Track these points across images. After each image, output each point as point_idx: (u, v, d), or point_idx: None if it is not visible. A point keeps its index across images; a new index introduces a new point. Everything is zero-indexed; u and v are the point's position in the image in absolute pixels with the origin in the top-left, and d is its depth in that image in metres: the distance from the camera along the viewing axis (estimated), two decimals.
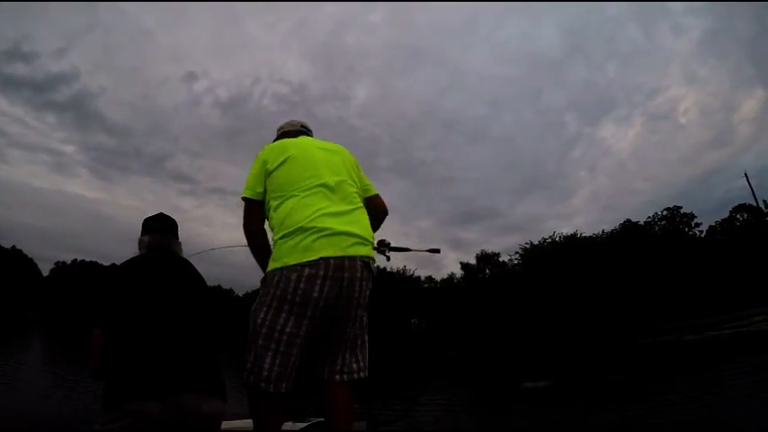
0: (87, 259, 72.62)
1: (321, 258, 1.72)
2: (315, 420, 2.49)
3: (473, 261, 44.20)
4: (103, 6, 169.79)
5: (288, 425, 2.47)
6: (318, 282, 1.71)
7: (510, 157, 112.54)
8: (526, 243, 39.50)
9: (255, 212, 1.96)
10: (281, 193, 1.89)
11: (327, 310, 1.76)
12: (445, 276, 47.33)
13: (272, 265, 1.79)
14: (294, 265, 1.72)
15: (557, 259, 34.01)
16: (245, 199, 1.96)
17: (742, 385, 7.61)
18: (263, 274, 1.86)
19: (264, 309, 1.77)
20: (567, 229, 40.46)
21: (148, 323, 1.67)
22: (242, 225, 1.97)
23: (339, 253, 1.75)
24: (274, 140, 2.24)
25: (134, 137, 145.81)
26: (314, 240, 1.74)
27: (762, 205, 30.34)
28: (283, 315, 1.74)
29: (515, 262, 40.14)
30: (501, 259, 42.48)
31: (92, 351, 1.72)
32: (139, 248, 2.00)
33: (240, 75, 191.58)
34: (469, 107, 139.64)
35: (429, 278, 47.67)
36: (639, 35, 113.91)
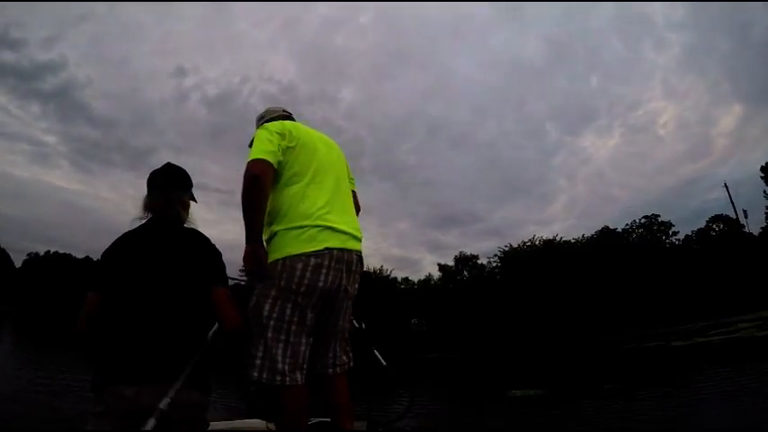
0: (61, 251, 70.64)
1: (326, 249, 1.77)
2: (315, 420, 2.27)
3: (451, 263, 43.90)
4: None
5: None
6: (324, 271, 1.76)
7: (491, 162, 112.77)
8: (505, 246, 39.43)
9: (270, 173, 1.81)
10: (287, 177, 1.88)
11: (327, 300, 1.82)
12: (422, 278, 46.91)
13: (272, 257, 1.78)
14: (299, 254, 1.74)
15: (535, 263, 33.94)
16: (263, 160, 1.79)
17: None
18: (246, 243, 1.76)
19: (270, 301, 1.75)
20: (545, 234, 40.32)
21: (137, 307, 1.61)
22: (245, 176, 1.77)
23: (340, 245, 1.82)
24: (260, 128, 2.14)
25: (118, 130, 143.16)
26: (318, 232, 1.78)
27: (741, 215, 30.85)
28: (289, 305, 1.75)
29: (494, 264, 39.96)
30: (480, 262, 42.23)
31: (82, 313, 1.70)
32: (143, 209, 1.86)
33: (229, 72, 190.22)
34: (454, 112, 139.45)
35: (405, 279, 47.10)
36: (622, 48, 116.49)
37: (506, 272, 37.06)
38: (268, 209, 1.84)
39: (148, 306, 1.61)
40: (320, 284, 1.76)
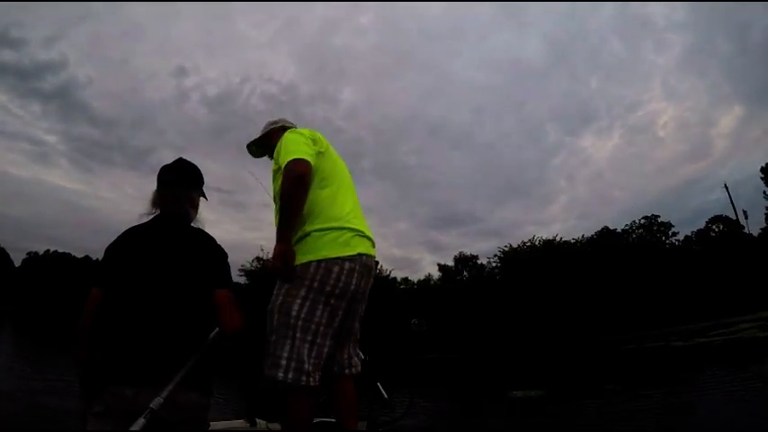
0: (61, 250, 71.43)
1: (358, 254, 1.84)
2: (315, 420, 2.25)
3: (451, 263, 43.77)
4: None
5: None
6: (355, 275, 1.83)
7: (491, 163, 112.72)
8: (505, 246, 39.29)
9: (311, 174, 1.86)
10: (317, 180, 1.91)
11: (353, 303, 1.89)
12: (422, 278, 46.80)
13: (304, 258, 1.79)
14: (336, 258, 1.78)
15: (535, 263, 33.84)
16: (305, 160, 1.83)
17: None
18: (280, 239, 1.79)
19: (299, 301, 1.76)
20: (545, 235, 40.16)
21: (139, 307, 1.58)
22: (289, 176, 1.80)
23: (366, 251, 1.89)
24: (275, 133, 2.26)
25: (119, 129, 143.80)
26: (352, 237, 1.86)
27: (741, 215, 30.83)
28: (320, 307, 1.77)
29: (494, 265, 39.84)
30: (479, 262, 42.10)
31: (85, 310, 1.67)
32: (151, 205, 1.83)
33: (229, 72, 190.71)
34: (454, 113, 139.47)
35: (405, 279, 47.00)
36: (622, 49, 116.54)
37: (506, 272, 36.95)
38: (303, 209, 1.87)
39: (150, 306, 1.58)
40: (352, 288, 1.82)
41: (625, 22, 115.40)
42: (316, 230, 1.83)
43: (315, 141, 1.99)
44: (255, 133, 2.40)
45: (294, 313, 1.75)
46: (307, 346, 1.73)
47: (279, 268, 1.79)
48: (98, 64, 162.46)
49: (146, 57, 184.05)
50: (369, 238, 1.96)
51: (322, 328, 1.78)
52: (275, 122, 2.35)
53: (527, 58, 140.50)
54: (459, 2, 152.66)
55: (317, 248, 1.80)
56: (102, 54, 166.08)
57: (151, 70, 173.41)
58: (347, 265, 1.80)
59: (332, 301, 1.79)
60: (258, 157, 2.40)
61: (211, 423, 1.82)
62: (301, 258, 1.79)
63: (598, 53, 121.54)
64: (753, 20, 74.82)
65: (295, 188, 1.78)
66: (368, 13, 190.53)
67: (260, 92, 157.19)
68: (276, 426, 2.53)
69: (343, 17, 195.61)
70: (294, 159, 1.81)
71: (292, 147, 1.88)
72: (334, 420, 2.04)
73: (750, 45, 79.21)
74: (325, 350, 1.80)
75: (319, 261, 1.78)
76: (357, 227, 1.91)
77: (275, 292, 1.84)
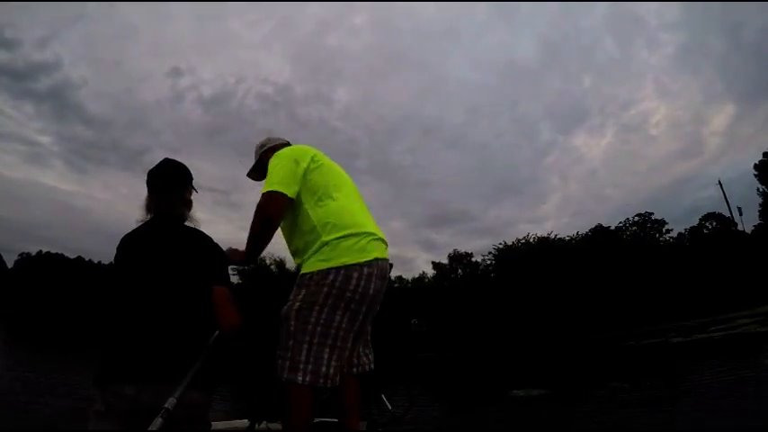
0: (53, 251, 70.57)
1: (375, 259, 1.88)
2: (316, 420, 2.20)
3: (445, 261, 43.78)
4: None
5: None
6: (373, 280, 1.86)
7: (485, 162, 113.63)
8: (500, 243, 39.31)
9: (284, 209, 1.91)
10: (320, 194, 1.94)
11: (370, 306, 1.91)
12: (416, 276, 46.78)
13: (323, 265, 1.82)
14: (354, 264, 1.82)
15: (530, 260, 33.89)
16: (279, 194, 1.87)
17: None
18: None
19: (317, 307, 1.80)
20: (539, 232, 40.33)
21: (139, 307, 1.59)
22: (259, 214, 1.88)
23: (382, 255, 1.94)
24: (265, 155, 2.26)
25: (113, 130, 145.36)
26: (368, 242, 1.88)
27: (736, 212, 31.03)
28: (339, 312, 1.81)
29: (488, 262, 39.85)
30: (474, 259, 42.13)
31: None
32: (145, 211, 1.83)
33: (224, 73, 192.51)
34: (448, 113, 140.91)
35: (399, 278, 46.90)
36: (615, 48, 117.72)
37: (501, 269, 37.00)
38: (314, 223, 1.89)
39: (149, 305, 1.59)
40: (370, 292, 1.85)
41: (618, 22, 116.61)
42: (333, 239, 1.85)
43: (297, 161, 1.96)
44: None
45: (312, 320, 1.78)
46: (327, 350, 1.77)
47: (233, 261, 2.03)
48: (92, 65, 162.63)
49: (140, 57, 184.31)
50: (382, 240, 1.98)
51: (342, 332, 1.81)
52: (262, 146, 2.36)
53: (520, 58, 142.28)
54: (453, 2, 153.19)
55: (336, 256, 1.82)
56: (96, 55, 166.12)
57: (145, 71, 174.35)
58: (365, 270, 1.83)
59: (352, 306, 1.82)
60: (260, 180, 2.38)
61: (213, 423, 1.81)
62: (320, 266, 1.82)
63: (591, 52, 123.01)
64: (746, 19, 75.65)
65: (262, 229, 1.89)
66: (362, 13, 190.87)
67: (255, 92, 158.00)
68: (276, 426, 2.47)
69: (338, 17, 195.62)
70: (269, 192, 1.86)
71: (270, 175, 1.92)
72: (335, 420, 2.06)
73: (743, 44, 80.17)
74: (346, 353, 1.85)
75: (338, 268, 1.80)
76: (371, 230, 1.93)
77: (292, 297, 1.86)
